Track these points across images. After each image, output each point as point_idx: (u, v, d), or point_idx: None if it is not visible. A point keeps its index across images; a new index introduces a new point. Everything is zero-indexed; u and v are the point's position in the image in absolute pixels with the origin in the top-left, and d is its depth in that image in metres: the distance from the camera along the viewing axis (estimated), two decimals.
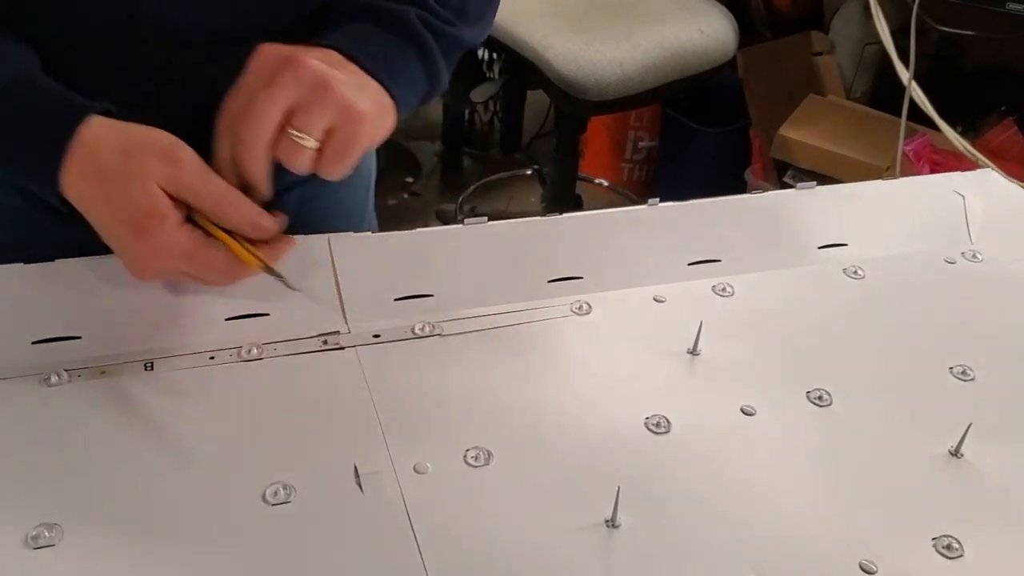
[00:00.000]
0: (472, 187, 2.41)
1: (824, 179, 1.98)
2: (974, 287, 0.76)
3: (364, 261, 0.66)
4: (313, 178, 0.58)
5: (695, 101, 2.21)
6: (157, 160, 0.54)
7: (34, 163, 0.56)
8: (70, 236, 0.59)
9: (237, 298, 0.62)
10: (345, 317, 0.63)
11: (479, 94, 1.79)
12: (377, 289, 0.65)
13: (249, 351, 0.60)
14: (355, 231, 0.67)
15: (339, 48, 0.59)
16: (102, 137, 0.55)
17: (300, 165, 0.56)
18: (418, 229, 0.69)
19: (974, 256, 0.79)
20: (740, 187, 2.10)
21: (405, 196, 2.43)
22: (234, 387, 0.58)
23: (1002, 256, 0.79)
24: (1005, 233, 0.81)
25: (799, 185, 0.80)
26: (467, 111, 2.52)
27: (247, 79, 0.56)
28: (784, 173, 2.02)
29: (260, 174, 0.56)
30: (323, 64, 0.55)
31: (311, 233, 0.66)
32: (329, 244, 0.66)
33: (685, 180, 2.25)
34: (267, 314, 0.62)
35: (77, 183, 0.55)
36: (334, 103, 0.55)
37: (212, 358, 0.59)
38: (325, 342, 0.61)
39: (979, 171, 0.87)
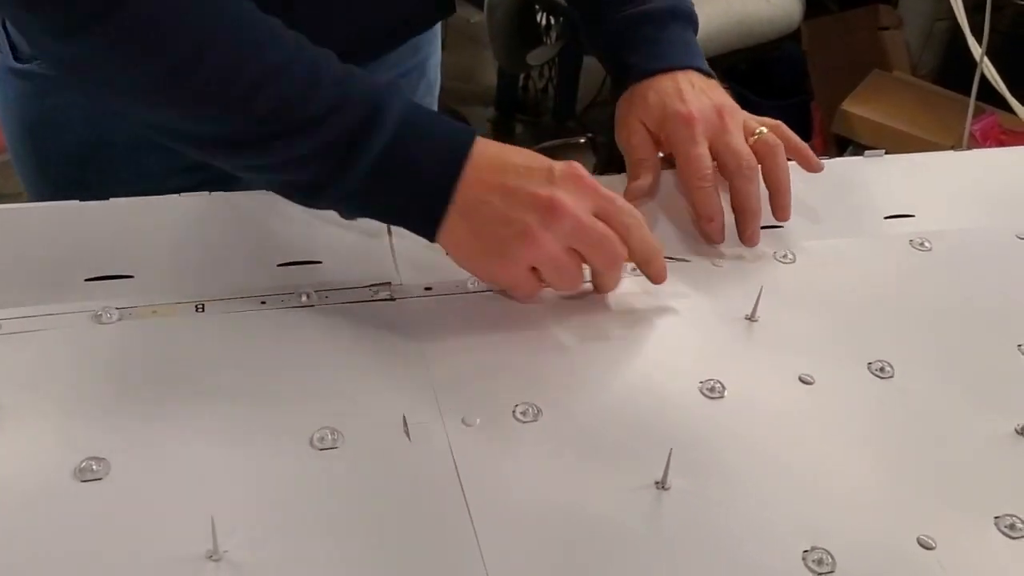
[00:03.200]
0: None
1: None
2: None
3: None
4: None
5: (756, 73, 2.17)
6: (535, 222, 0.57)
7: (412, 219, 0.59)
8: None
9: (290, 245, 0.62)
10: (397, 268, 0.62)
11: (535, 57, 1.76)
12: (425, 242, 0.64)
13: (300, 297, 0.59)
14: None
15: (691, 67, 0.73)
16: (480, 192, 0.57)
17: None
18: None
19: None
20: None
21: None
22: (283, 332, 0.57)
23: None
24: None
25: (867, 153, 0.78)
26: (521, 77, 2.49)
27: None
28: (845, 149, 1.98)
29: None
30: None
31: None
32: None
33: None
34: (319, 262, 0.62)
35: (454, 236, 0.58)
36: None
37: (263, 303, 0.59)
38: (376, 292, 0.61)
39: None
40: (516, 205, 0.57)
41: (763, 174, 0.70)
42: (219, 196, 0.65)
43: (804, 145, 0.73)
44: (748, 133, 0.71)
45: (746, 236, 0.70)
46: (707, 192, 0.69)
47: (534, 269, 0.59)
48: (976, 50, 1.53)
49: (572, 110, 2.52)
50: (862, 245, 0.72)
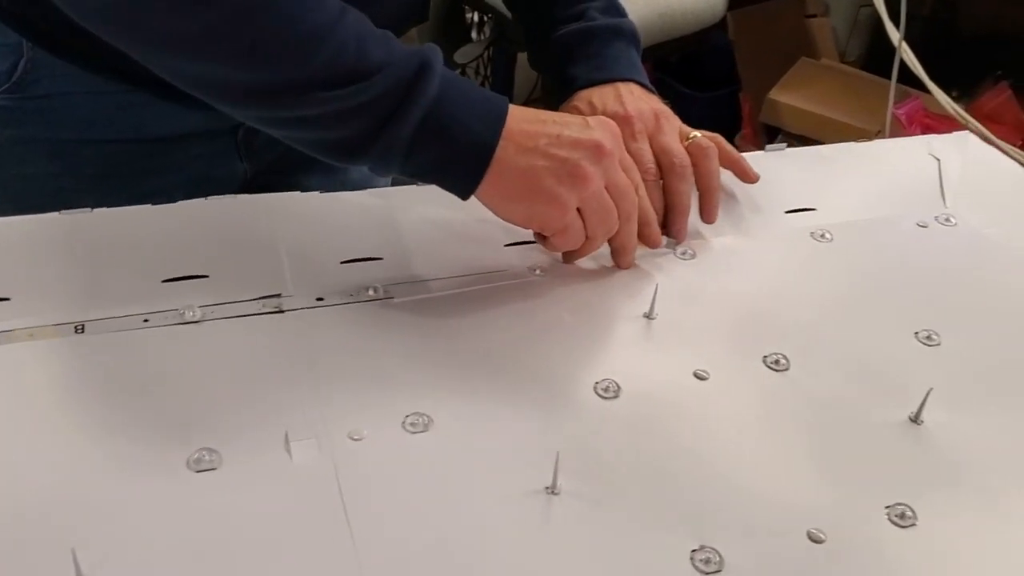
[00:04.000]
0: None
1: (814, 143, 1.95)
2: (945, 252, 0.74)
3: (310, 222, 0.64)
4: None
5: (687, 65, 2.18)
6: (585, 160, 0.60)
7: (454, 172, 0.60)
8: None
9: (175, 260, 0.60)
10: (288, 279, 0.61)
11: (463, 55, 1.76)
12: (323, 251, 0.63)
13: (184, 314, 0.58)
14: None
15: (632, 80, 0.75)
16: (524, 140, 0.59)
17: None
18: (370, 189, 0.67)
19: (947, 220, 0.77)
20: None
21: None
22: (166, 351, 0.56)
23: (976, 220, 0.77)
24: (980, 197, 0.79)
25: (768, 147, 0.78)
26: (459, 72, 2.48)
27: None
28: (774, 138, 1.99)
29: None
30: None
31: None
32: (273, 204, 0.64)
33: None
34: (206, 276, 0.60)
35: (498, 187, 0.60)
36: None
37: (146, 321, 0.57)
38: (265, 305, 0.59)
39: (956, 133, 0.85)
40: (564, 146, 0.60)
41: (695, 176, 0.72)
42: (102, 212, 0.63)
43: (740, 156, 0.75)
44: (683, 137, 0.73)
45: (673, 231, 0.71)
46: (650, 186, 0.70)
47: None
48: (895, 35, 1.55)
49: None
50: (763, 240, 0.72)
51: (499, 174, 0.59)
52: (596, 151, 0.60)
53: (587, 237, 0.63)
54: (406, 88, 0.56)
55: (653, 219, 0.68)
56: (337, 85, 0.55)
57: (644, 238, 0.68)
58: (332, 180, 0.88)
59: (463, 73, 2.51)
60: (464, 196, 0.60)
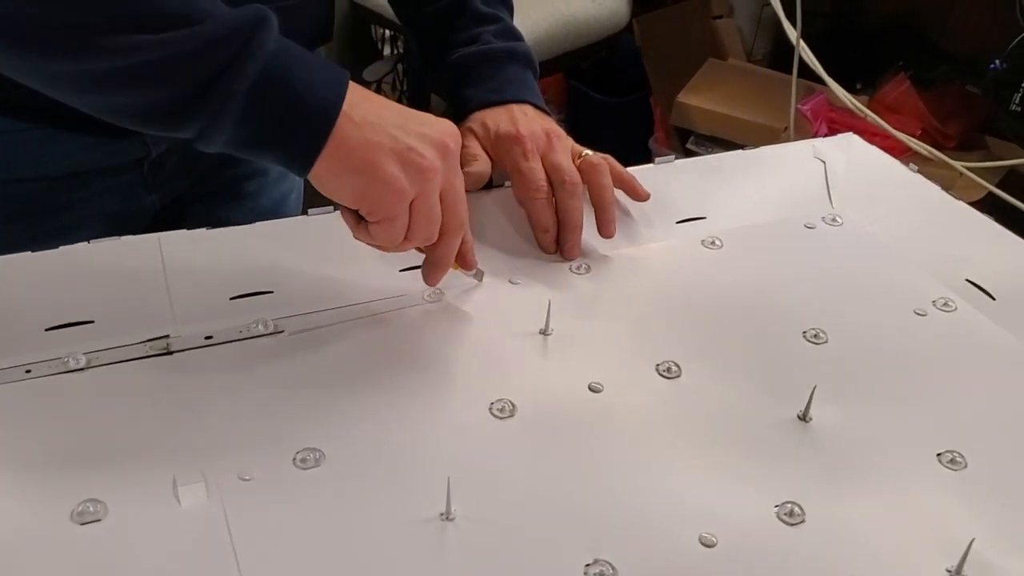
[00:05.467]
0: None
1: (725, 143, 1.99)
2: (832, 251, 0.76)
3: (197, 259, 0.63)
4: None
5: (599, 71, 2.20)
6: (432, 155, 0.57)
7: (295, 138, 0.55)
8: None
9: (58, 306, 0.59)
10: (175, 319, 0.61)
11: (372, 73, 1.75)
12: (211, 288, 0.62)
13: (68, 362, 0.57)
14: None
15: (526, 101, 0.76)
16: (370, 114, 0.56)
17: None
18: (257, 223, 0.67)
19: (834, 220, 0.79)
20: (646, 156, 2.10)
21: None
22: (49, 402, 0.55)
23: (861, 219, 0.79)
24: (865, 196, 0.81)
25: (657, 160, 0.80)
26: (372, 89, 2.47)
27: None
28: (687, 140, 2.02)
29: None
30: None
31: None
32: (159, 244, 0.63)
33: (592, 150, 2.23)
34: (91, 321, 0.60)
35: (337, 161, 0.56)
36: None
37: (28, 371, 0.56)
38: (153, 347, 0.59)
39: (841, 136, 0.87)
40: (411, 134, 0.57)
41: (588, 192, 0.73)
42: None
43: (631, 176, 0.76)
44: (575, 155, 0.74)
45: (565, 249, 0.72)
46: (541, 204, 0.71)
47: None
48: (792, 33, 1.59)
49: None
50: (655, 250, 0.74)
51: (339, 143, 0.55)
52: (442, 148, 0.58)
53: (404, 237, 0.60)
54: (244, 39, 0.51)
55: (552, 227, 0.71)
56: (159, 28, 0.50)
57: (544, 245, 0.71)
58: (243, 208, 0.87)
59: (377, 90, 2.52)
60: (305, 163, 0.55)
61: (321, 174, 0.56)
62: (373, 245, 0.61)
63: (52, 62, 0.51)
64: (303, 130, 0.54)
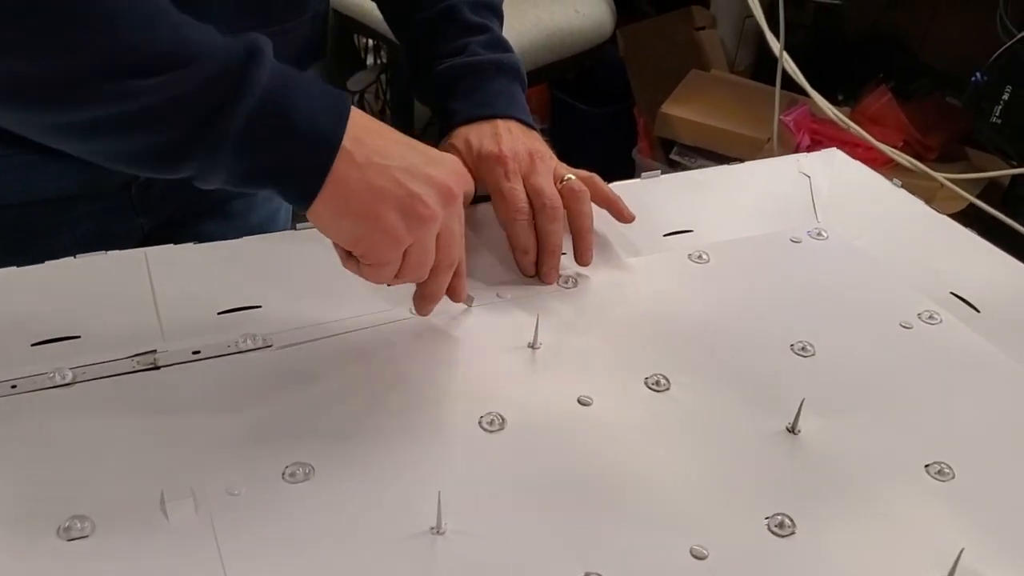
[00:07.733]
0: None
1: (709, 154, 2.00)
2: (817, 265, 0.76)
3: (184, 274, 0.63)
4: None
5: (584, 82, 2.21)
6: (434, 201, 0.56)
7: (296, 171, 0.54)
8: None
9: (45, 321, 0.59)
10: (162, 333, 0.60)
11: (356, 82, 1.75)
12: (199, 303, 0.62)
13: (55, 377, 0.56)
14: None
15: (511, 117, 0.75)
16: (372, 151, 0.55)
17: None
18: (245, 238, 0.67)
19: (819, 234, 0.79)
20: (629, 166, 2.10)
21: None
22: (36, 417, 0.54)
23: (846, 232, 0.79)
24: (849, 210, 0.82)
25: (644, 175, 0.80)
26: (355, 100, 2.47)
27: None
28: (671, 151, 2.03)
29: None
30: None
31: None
32: (146, 258, 0.63)
33: (576, 161, 2.24)
34: (78, 336, 0.59)
35: (337, 199, 0.54)
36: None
37: (14, 387, 0.56)
38: (140, 362, 0.58)
39: (825, 151, 0.88)
40: (417, 178, 0.56)
41: (568, 218, 0.72)
42: None
43: (616, 196, 0.76)
44: (557, 179, 0.73)
45: (543, 272, 0.71)
46: (521, 225, 0.71)
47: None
48: (775, 45, 1.60)
49: (410, 131, 2.51)
50: (643, 264, 0.74)
51: (339, 184, 0.54)
52: (446, 194, 0.57)
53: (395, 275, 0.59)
54: (234, 76, 0.50)
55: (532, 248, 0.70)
56: (150, 72, 0.49)
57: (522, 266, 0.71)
58: (233, 226, 0.86)
59: (360, 100, 2.51)
60: (304, 202, 0.54)
61: (321, 213, 0.55)
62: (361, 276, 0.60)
63: (39, 114, 0.50)
64: (300, 169, 0.53)
